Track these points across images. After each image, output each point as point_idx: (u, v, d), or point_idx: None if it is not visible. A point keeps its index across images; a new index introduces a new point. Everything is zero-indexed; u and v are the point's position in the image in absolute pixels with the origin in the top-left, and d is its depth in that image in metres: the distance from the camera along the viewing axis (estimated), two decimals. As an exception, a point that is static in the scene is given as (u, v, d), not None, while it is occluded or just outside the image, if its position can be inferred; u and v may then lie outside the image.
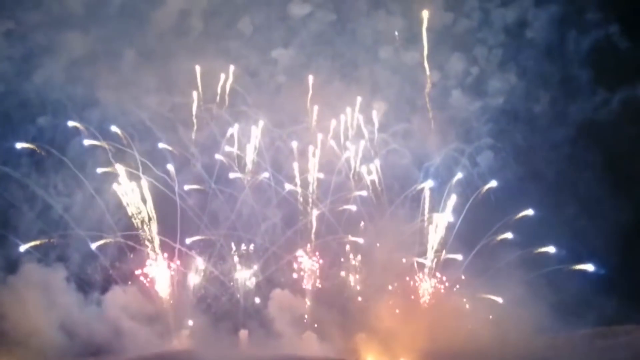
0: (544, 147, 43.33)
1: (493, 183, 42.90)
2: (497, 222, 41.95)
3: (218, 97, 43.49)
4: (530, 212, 42.03)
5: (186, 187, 42.21)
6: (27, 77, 41.43)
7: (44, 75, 41.35)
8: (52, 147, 40.85)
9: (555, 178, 42.49)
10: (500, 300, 41.34)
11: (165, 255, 41.69)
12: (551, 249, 41.63)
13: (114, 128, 41.65)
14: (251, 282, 42.54)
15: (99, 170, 40.68)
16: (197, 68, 42.70)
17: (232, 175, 42.74)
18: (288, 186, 43.01)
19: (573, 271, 41.68)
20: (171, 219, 41.82)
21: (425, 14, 43.57)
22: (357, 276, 43.17)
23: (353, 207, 42.84)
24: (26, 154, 40.54)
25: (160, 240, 41.67)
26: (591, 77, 42.67)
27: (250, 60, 44.12)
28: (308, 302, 42.51)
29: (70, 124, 41.24)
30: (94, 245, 40.50)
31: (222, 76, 43.31)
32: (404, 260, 42.82)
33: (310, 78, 43.38)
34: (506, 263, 41.60)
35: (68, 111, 41.32)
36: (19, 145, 40.47)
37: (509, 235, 41.74)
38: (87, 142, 41.14)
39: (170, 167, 41.86)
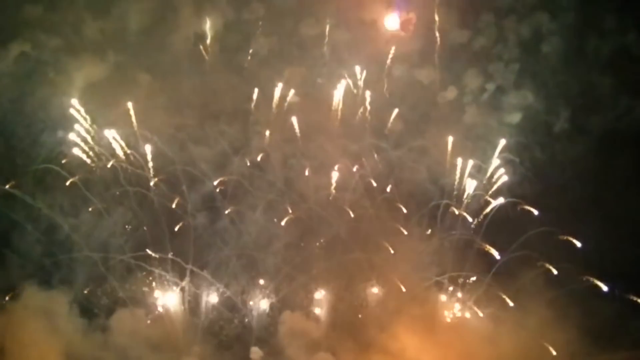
0: (565, 161, 40.38)
1: (534, 212, 39.39)
2: (517, 240, 38.71)
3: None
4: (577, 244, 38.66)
5: (198, 209, 40.04)
6: (39, 98, 39.66)
7: (56, 96, 39.60)
8: (62, 168, 38.84)
9: (578, 192, 39.21)
10: (525, 321, 37.99)
11: (176, 276, 39.21)
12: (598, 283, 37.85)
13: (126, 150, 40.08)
14: (264, 304, 39.85)
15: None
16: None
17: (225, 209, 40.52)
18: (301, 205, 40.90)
19: (604, 292, 38.58)
20: (183, 238, 39.42)
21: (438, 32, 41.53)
22: (374, 292, 40.44)
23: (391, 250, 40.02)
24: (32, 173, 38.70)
25: (171, 261, 39.16)
26: (613, 86, 39.66)
27: (261, 78, 42.07)
28: (322, 323, 39.66)
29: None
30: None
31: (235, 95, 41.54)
32: (422, 280, 39.99)
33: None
34: (530, 283, 38.43)
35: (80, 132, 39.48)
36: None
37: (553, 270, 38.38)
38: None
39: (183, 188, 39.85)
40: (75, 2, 41.16)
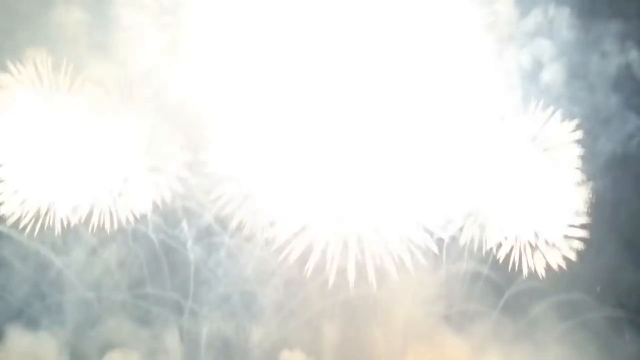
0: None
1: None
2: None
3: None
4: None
5: (197, 242, 37.80)
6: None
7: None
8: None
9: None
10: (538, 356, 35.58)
11: (174, 313, 36.79)
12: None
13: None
14: (266, 342, 37.19)
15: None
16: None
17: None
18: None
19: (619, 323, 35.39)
20: (182, 274, 37.08)
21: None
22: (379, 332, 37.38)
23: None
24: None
25: (170, 298, 36.89)
26: (620, 106, 36.77)
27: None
28: (326, 361, 37.25)
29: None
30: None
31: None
32: (429, 315, 37.34)
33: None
34: (541, 313, 36.01)
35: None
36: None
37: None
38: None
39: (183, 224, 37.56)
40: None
